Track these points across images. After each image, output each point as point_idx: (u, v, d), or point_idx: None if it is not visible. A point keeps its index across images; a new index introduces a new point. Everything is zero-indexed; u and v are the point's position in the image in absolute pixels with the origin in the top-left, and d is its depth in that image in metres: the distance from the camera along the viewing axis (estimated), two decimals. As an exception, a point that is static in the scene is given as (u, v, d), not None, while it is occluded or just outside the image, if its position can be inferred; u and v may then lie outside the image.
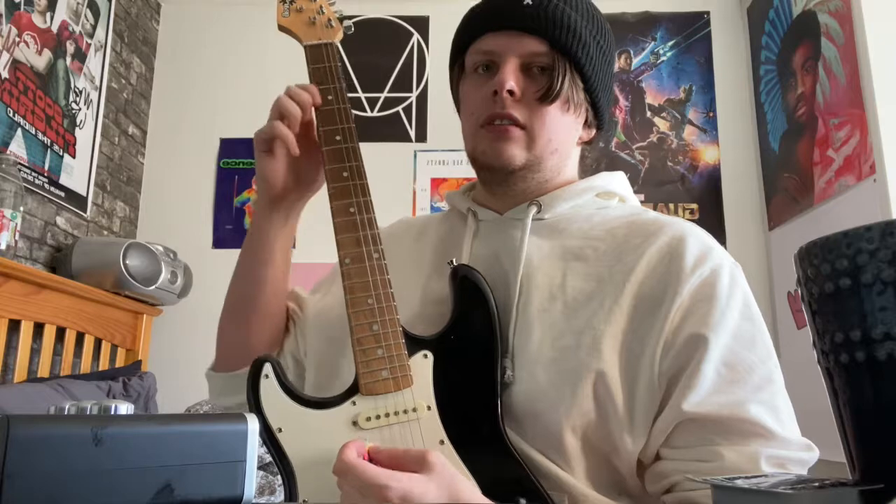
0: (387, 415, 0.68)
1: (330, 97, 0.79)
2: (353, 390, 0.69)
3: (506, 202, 0.83)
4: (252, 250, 0.85)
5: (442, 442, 0.68)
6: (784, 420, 0.68)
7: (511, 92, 0.76)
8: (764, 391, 0.68)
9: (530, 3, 0.77)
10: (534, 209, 0.80)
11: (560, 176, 0.83)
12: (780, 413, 0.68)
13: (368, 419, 0.67)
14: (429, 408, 0.69)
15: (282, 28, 0.85)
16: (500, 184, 0.82)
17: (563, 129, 0.80)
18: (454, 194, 0.90)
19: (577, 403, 0.68)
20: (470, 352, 0.72)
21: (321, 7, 0.85)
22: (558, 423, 0.69)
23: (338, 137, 0.77)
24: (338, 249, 0.74)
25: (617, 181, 0.85)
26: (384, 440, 0.67)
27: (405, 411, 0.68)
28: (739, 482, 0.41)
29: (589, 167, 0.89)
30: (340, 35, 0.85)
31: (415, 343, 0.71)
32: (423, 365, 0.71)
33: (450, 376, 0.70)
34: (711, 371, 0.68)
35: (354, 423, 0.67)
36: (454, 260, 0.77)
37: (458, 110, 0.87)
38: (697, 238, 0.75)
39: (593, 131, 0.86)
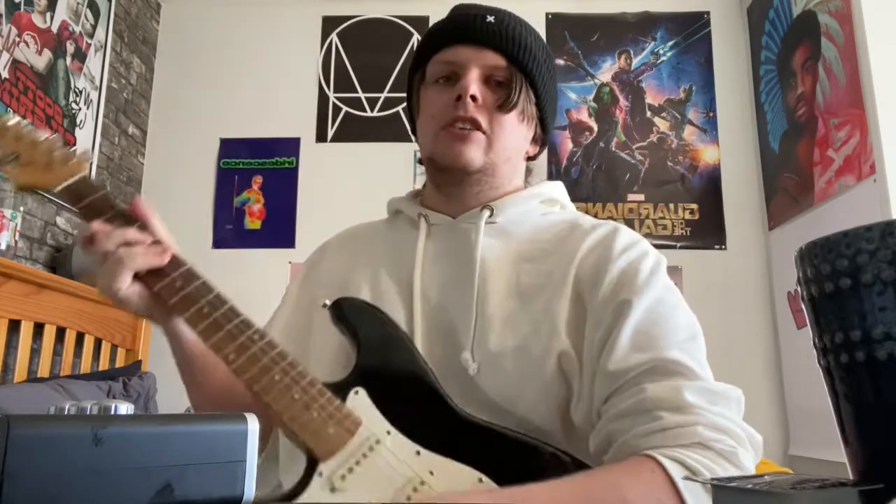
0: (357, 462, 0.67)
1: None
2: (312, 464, 0.67)
3: (457, 207, 0.87)
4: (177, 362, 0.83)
5: (418, 453, 0.68)
6: (706, 371, 0.71)
7: (474, 97, 0.82)
8: (687, 344, 0.72)
9: (492, 20, 0.84)
10: (486, 213, 0.84)
11: (510, 186, 0.89)
12: (703, 365, 0.71)
13: (343, 477, 0.66)
14: (388, 433, 0.69)
15: (24, 187, 0.79)
16: (456, 185, 0.86)
17: (518, 138, 0.86)
18: (400, 200, 0.93)
19: (546, 386, 0.73)
20: (392, 365, 0.73)
21: (49, 149, 0.78)
22: (534, 407, 0.73)
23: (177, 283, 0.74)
24: (216, 354, 0.70)
25: (557, 190, 0.92)
26: (367, 479, 0.66)
27: (370, 448, 0.68)
28: (740, 482, 0.41)
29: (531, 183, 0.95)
30: (86, 166, 0.80)
31: (339, 389, 0.70)
32: (360, 400, 0.70)
33: (389, 395, 0.71)
34: (634, 329, 0.72)
35: (332, 490, 0.66)
36: (326, 302, 0.76)
37: (414, 116, 0.92)
38: (628, 234, 0.83)
39: (538, 148, 0.92)
